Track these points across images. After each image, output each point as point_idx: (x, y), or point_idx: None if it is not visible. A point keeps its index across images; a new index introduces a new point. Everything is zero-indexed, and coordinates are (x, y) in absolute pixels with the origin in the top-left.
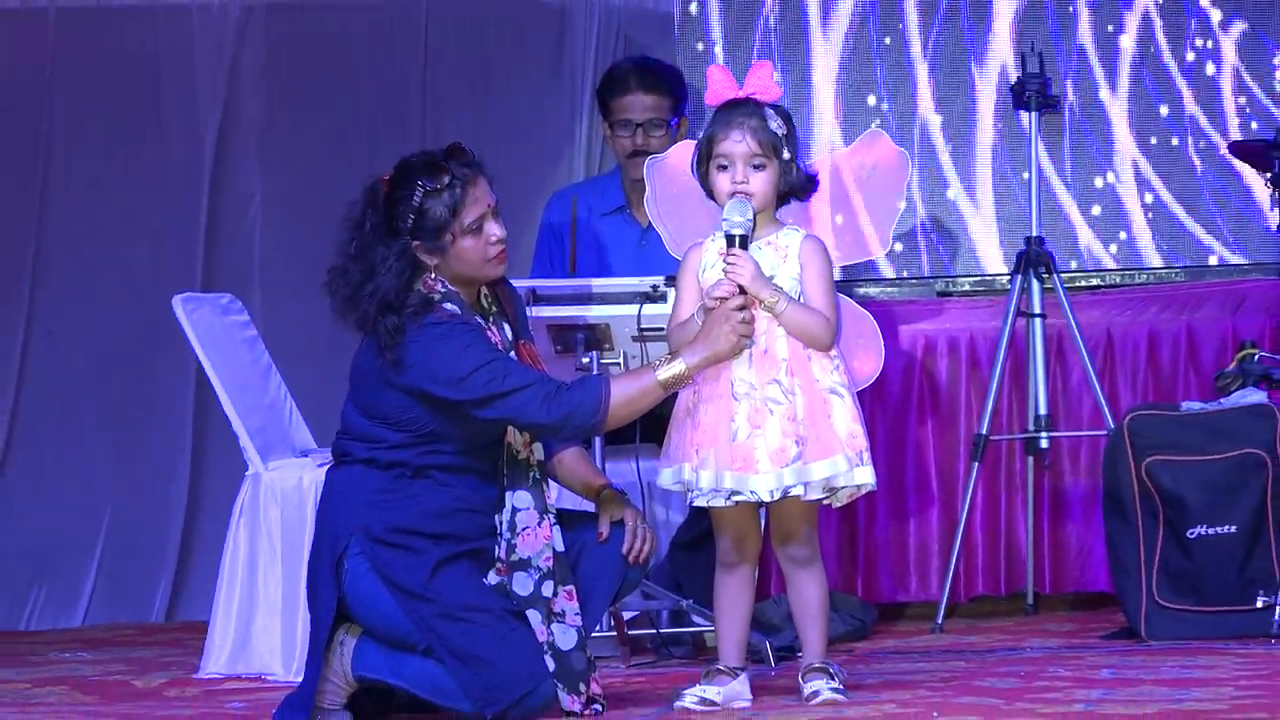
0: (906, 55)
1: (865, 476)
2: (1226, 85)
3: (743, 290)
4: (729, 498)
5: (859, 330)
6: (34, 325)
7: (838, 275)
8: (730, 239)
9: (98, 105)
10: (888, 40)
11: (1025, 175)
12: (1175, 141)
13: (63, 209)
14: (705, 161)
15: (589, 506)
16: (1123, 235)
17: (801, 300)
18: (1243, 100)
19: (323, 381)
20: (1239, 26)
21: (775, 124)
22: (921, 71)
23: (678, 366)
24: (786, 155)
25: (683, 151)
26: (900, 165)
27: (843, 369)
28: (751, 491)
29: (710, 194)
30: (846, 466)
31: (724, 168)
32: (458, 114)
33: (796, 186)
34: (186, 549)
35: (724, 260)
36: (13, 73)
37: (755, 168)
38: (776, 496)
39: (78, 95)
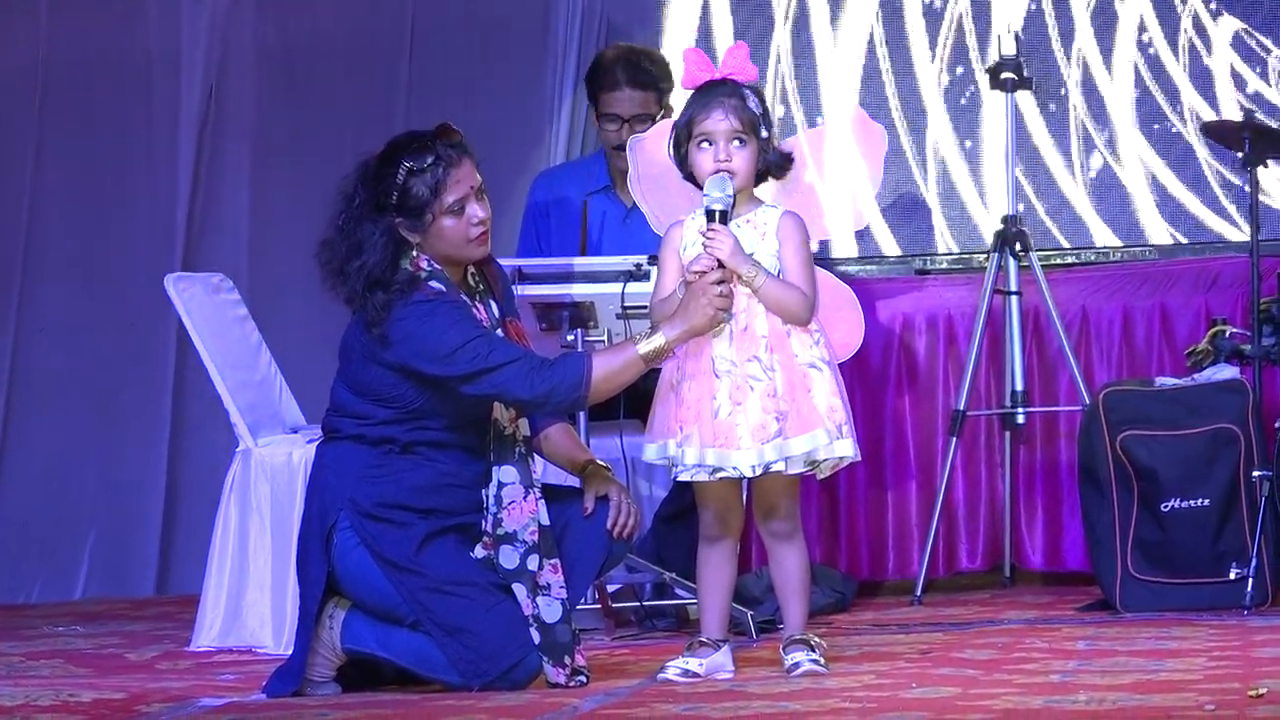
0: (884, 37)
1: (846, 449)
2: (1181, 68)
3: (722, 265)
4: (712, 473)
5: (838, 303)
6: (25, 318)
7: (815, 247)
8: (710, 214)
9: (89, 94)
10: (863, 23)
11: (1002, 154)
12: (1148, 121)
13: (53, 199)
14: (685, 143)
15: (574, 482)
16: (1099, 214)
17: (780, 276)
18: (1222, 84)
19: (312, 359)
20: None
21: (753, 103)
22: (889, 48)
23: (657, 340)
24: (764, 134)
25: (664, 128)
26: (876, 140)
27: (823, 343)
28: (734, 467)
29: (687, 176)
30: (827, 440)
31: (705, 146)
32: (443, 96)
33: (774, 164)
34: (170, 525)
35: (704, 235)
36: (5, 70)
37: (738, 144)
38: (759, 472)
39: (69, 86)
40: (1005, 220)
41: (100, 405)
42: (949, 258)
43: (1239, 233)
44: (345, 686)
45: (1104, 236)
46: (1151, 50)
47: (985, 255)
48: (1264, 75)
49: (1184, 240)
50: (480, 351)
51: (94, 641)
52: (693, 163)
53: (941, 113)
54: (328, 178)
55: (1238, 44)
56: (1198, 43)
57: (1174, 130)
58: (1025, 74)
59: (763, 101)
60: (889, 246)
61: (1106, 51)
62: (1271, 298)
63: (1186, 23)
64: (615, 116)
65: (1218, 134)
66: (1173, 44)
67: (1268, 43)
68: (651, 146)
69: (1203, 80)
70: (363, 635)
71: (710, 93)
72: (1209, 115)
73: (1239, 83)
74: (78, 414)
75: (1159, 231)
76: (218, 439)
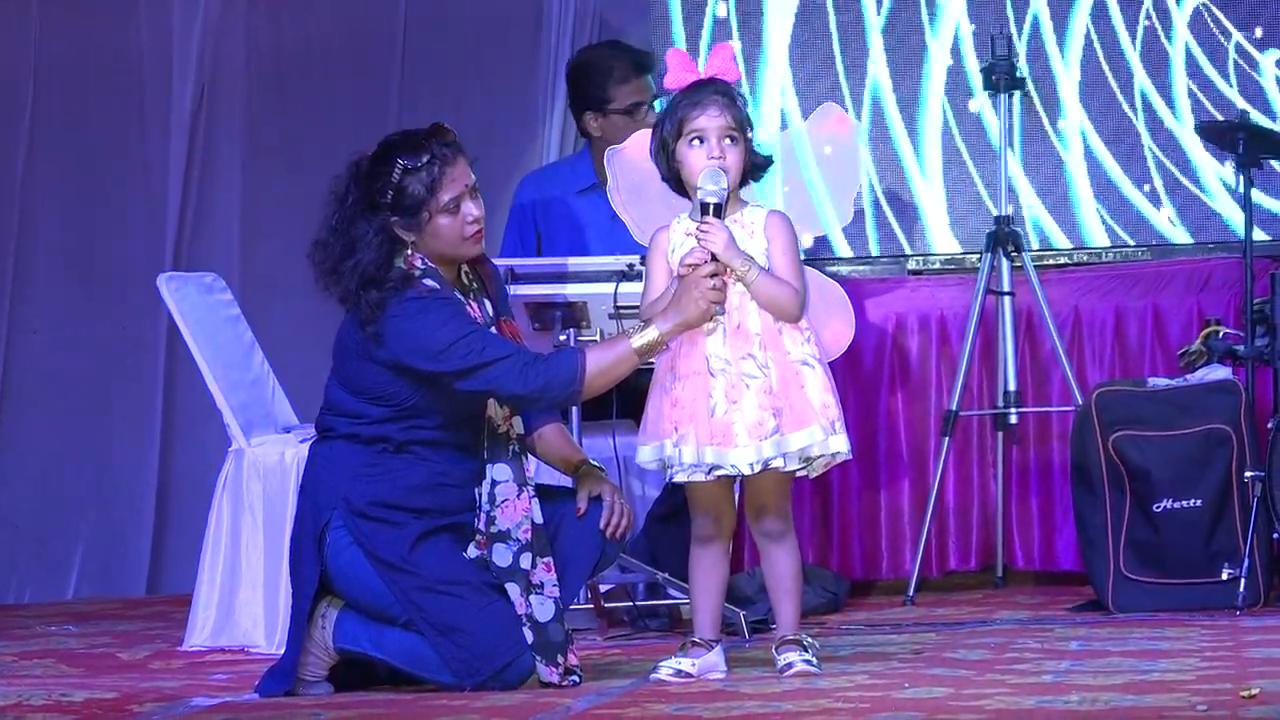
0: (879, 34)
1: (840, 445)
2: (1178, 67)
3: (714, 258)
4: (709, 472)
5: (828, 300)
6: (17, 318)
7: (807, 244)
8: (705, 207)
9: (81, 94)
10: (859, 22)
11: (994, 155)
12: (1141, 121)
13: (45, 199)
14: (672, 143)
15: (567, 482)
16: (1089, 215)
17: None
18: (1194, 84)
19: (305, 358)
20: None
21: (741, 102)
22: (885, 50)
23: (651, 334)
24: (751, 134)
25: (641, 139)
26: (855, 136)
27: (814, 341)
28: (732, 465)
29: (667, 178)
30: (822, 435)
31: (697, 144)
32: (435, 96)
33: (757, 165)
34: (162, 525)
35: (698, 228)
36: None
37: (729, 141)
38: (757, 469)
39: (61, 86)
40: (998, 220)
41: (92, 405)
42: (941, 258)
43: (1232, 233)
44: (338, 686)
45: (1097, 237)
46: (1147, 50)
47: (978, 255)
48: (1257, 75)
49: (1177, 241)
50: (474, 347)
51: (86, 641)
52: (682, 161)
53: (935, 112)
54: (319, 177)
55: (1236, 47)
56: (1193, 44)
57: (1168, 130)
58: (1018, 74)
59: (746, 103)
60: (882, 247)
61: (1100, 51)
62: (1264, 298)
63: (1181, 24)
64: (639, 104)
65: (1213, 135)
66: (1168, 44)
67: (1252, 48)
68: (629, 157)
69: (1199, 80)
70: (355, 635)
71: (700, 91)
72: (1204, 116)
73: (1238, 83)
74: (70, 414)
75: (1152, 232)
76: (209, 438)
